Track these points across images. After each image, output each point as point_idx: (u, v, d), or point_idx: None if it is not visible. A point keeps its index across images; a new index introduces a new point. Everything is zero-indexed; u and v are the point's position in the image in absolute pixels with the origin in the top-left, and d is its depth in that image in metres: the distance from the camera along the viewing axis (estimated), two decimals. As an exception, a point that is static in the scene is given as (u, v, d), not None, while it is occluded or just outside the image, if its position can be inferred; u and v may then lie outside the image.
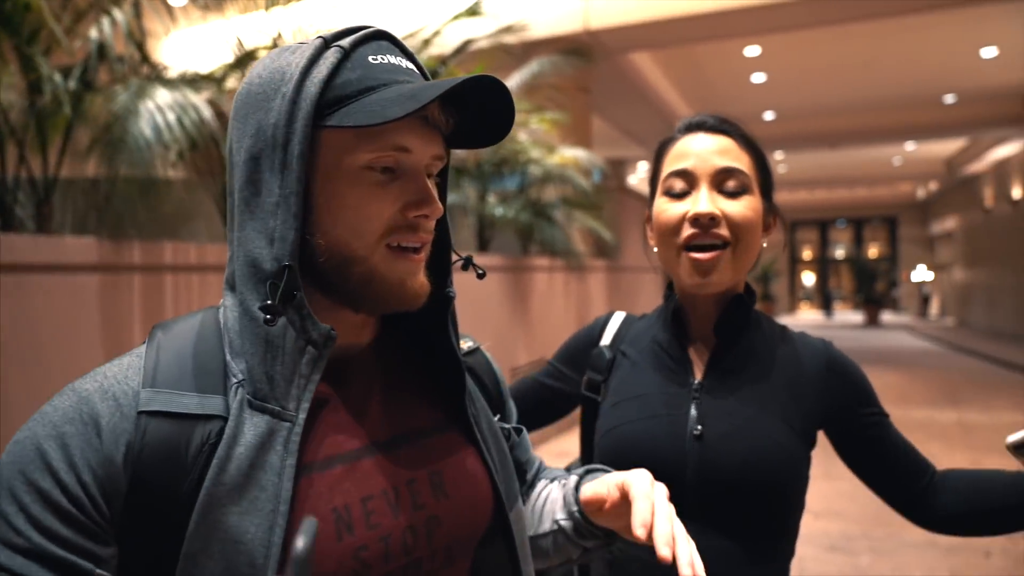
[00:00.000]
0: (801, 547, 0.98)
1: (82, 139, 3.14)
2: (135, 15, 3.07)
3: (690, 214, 1.03)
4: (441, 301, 0.76)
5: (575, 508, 0.83)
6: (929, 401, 8.63)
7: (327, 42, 0.67)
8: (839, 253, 30.92)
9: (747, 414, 1.02)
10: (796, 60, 10.67)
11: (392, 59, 0.69)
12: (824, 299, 28.13)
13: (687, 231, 1.03)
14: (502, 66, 6.87)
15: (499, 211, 6.99)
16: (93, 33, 2.98)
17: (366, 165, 0.66)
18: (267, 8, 3.96)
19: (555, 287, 7.65)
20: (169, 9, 3.23)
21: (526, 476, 0.90)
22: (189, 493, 0.60)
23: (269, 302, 0.62)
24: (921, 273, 25.96)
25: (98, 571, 0.58)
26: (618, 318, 1.23)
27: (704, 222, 1.02)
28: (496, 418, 0.86)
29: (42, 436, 0.59)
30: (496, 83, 0.68)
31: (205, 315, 0.71)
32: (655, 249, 1.11)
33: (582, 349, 1.22)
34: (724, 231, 1.03)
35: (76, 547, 0.57)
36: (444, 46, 5.75)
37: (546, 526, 0.87)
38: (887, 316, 24.18)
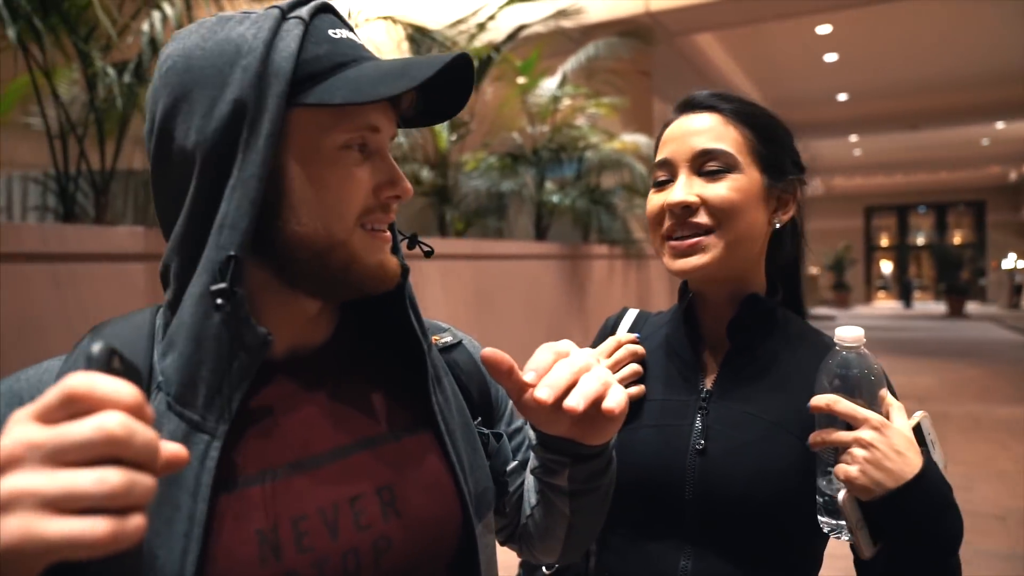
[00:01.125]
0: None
1: (138, 131, 3.22)
2: (185, 8, 3.12)
3: (665, 204, 0.95)
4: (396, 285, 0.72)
5: (532, 435, 0.74)
6: (1015, 398, 8.11)
7: (284, 13, 0.63)
8: (919, 240, 29.47)
9: (758, 429, 0.91)
10: (870, 37, 10.12)
11: (348, 34, 0.66)
12: (903, 289, 26.86)
13: (667, 222, 0.96)
14: (558, 51, 6.77)
15: (556, 198, 6.90)
16: (145, 27, 3.04)
17: (343, 145, 0.63)
18: None
19: (614, 276, 7.52)
20: (217, 1, 3.28)
21: (507, 487, 0.81)
22: None
23: (223, 285, 0.57)
24: (1011, 261, 24.48)
25: None
26: (631, 315, 1.14)
27: (678, 211, 0.93)
28: (477, 421, 0.79)
29: None
30: (468, 63, 0.66)
31: (143, 314, 0.67)
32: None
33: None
34: (703, 218, 0.93)
35: None
36: (499, 31, 5.69)
37: (534, 497, 0.81)
38: (973, 307, 22.92)
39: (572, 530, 0.78)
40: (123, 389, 0.39)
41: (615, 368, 1.00)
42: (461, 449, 0.72)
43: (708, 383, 0.98)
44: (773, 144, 0.98)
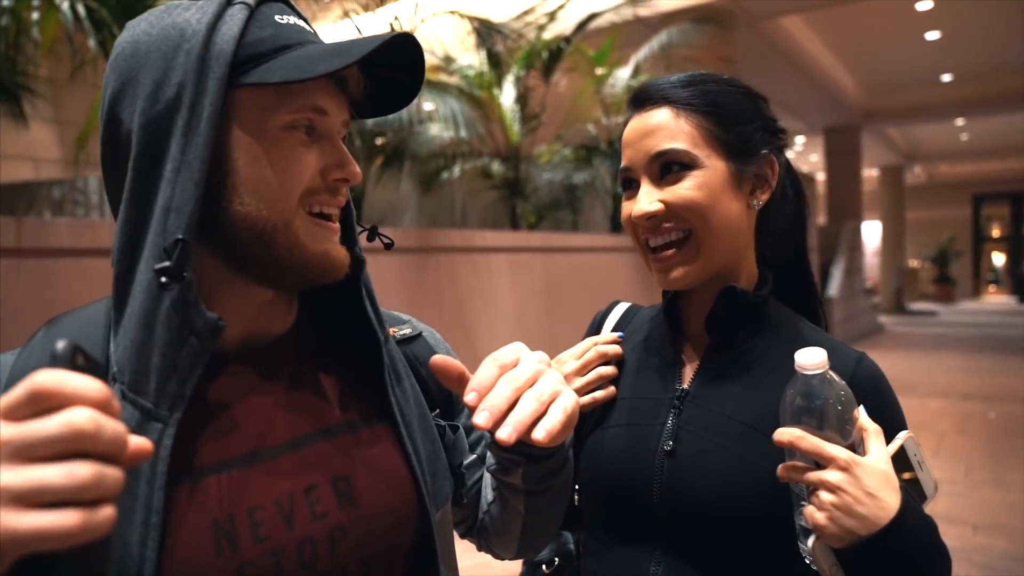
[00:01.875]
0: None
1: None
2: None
3: (631, 216, 0.89)
4: (354, 269, 0.70)
5: (488, 436, 0.76)
6: None
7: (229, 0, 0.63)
8: (1036, 230, 27.34)
9: (733, 432, 0.85)
10: (975, 12, 9.41)
11: (296, 20, 0.66)
12: (1016, 282, 24.98)
13: (642, 233, 0.90)
14: (633, 40, 6.64)
15: (630, 191, 6.77)
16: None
17: (288, 125, 0.62)
18: (376, 6, 4.07)
19: (691, 269, 7.34)
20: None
21: (464, 479, 0.80)
22: None
23: (167, 263, 0.57)
24: None
25: None
26: (620, 309, 1.08)
27: (646, 225, 0.88)
28: (435, 413, 0.79)
29: None
30: (415, 43, 0.65)
31: (97, 306, 0.68)
32: None
33: None
34: (671, 223, 0.87)
35: None
36: (569, 22, 5.63)
37: (491, 494, 0.81)
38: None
39: (527, 527, 0.78)
40: (90, 384, 0.40)
41: (583, 371, 0.96)
42: (418, 441, 0.72)
43: (685, 382, 0.92)
44: (735, 124, 0.90)
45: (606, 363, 0.98)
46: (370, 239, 0.76)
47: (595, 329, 1.08)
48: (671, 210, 0.86)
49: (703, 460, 0.85)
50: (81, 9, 2.76)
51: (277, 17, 0.64)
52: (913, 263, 24.42)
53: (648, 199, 0.87)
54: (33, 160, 7.71)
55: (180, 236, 0.58)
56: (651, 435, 0.89)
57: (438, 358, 0.62)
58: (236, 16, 0.61)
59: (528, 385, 0.60)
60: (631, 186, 0.91)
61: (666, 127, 0.87)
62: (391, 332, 0.79)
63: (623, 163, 0.92)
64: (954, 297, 22.40)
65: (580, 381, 0.95)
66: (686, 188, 0.86)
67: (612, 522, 0.91)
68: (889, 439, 0.81)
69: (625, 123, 0.94)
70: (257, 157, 0.62)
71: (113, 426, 0.40)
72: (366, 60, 0.63)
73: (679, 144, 0.87)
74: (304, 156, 0.63)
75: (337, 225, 0.68)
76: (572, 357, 0.97)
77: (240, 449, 0.62)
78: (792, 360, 0.78)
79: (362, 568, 0.65)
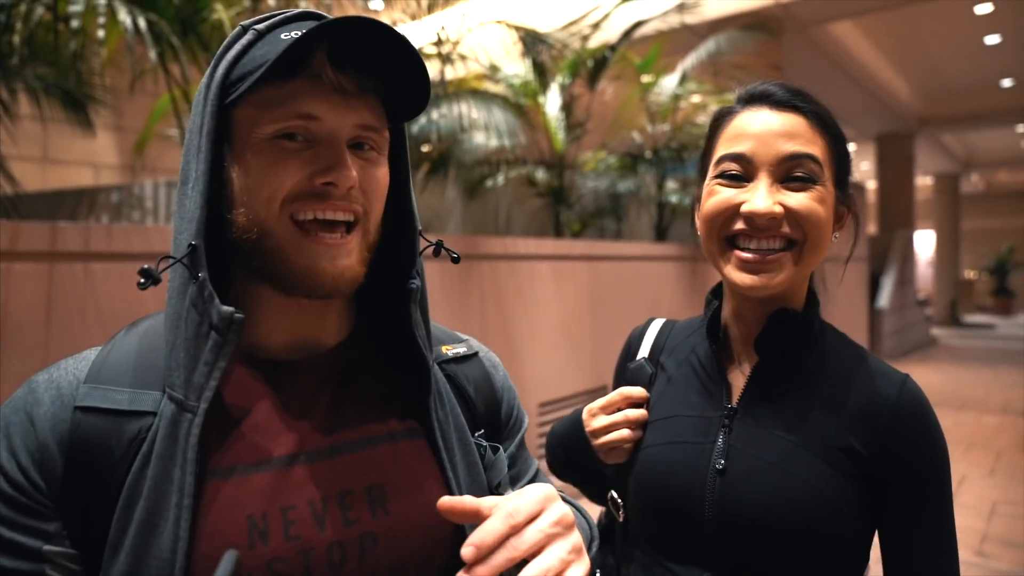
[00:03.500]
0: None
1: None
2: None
3: (744, 209, 0.86)
4: (404, 293, 0.72)
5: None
6: None
7: (245, 28, 0.68)
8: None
9: (781, 450, 0.85)
10: (1039, 16, 9.11)
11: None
12: (1080, 295, 23.95)
13: (738, 224, 0.88)
14: (680, 48, 6.58)
15: (675, 198, 6.72)
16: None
17: (271, 135, 0.64)
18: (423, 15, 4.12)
19: (736, 279, 7.21)
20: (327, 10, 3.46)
21: None
22: (119, 485, 0.61)
23: (145, 266, 0.61)
24: None
25: (46, 547, 0.60)
26: (656, 326, 1.09)
27: (761, 223, 0.85)
28: (479, 433, 0.80)
29: None
30: (381, 29, 0.63)
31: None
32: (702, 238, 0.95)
33: (620, 367, 1.09)
34: (786, 229, 0.86)
35: (22, 527, 0.60)
36: (614, 31, 5.62)
37: None
38: None
39: None
40: None
41: (609, 430, 0.97)
42: (456, 459, 0.74)
43: (734, 399, 0.92)
44: (843, 156, 0.91)
45: (636, 405, 0.98)
46: (436, 254, 0.77)
47: (633, 345, 1.09)
48: (792, 216, 0.85)
49: (754, 478, 0.85)
50: (142, 22, 2.86)
51: (283, 35, 0.65)
52: (969, 274, 23.61)
53: (771, 198, 0.85)
54: (93, 166, 8.00)
55: (192, 241, 0.63)
56: (702, 453, 0.89)
57: (443, 502, 0.59)
58: (241, 41, 0.67)
59: (533, 551, 0.57)
60: (736, 178, 0.88)
61: (804, 134, 0.87)
62: (444, 350, 0.81)
63: (738, 150, 0.88)
64: (1013, 310, 21.57)
65: (604, 439, 0.96)
66: (812, 200, 0.86)
67: (662, 538, 0.91)
68: (913, 482, 0.83)
69: (723, 113, 0.93)
70: (244, 168, 0.65)
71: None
72: (338, 59, 0.64)
73: (816, 153, 0.86)
74: (284, 163, 0.64)
75: (336, 240, 0.66)
76: (600, 410, 0.98)
77: (282, 451, 0.66)
78: (838, 379, 0.79)
79: (392, 575, 0.66)
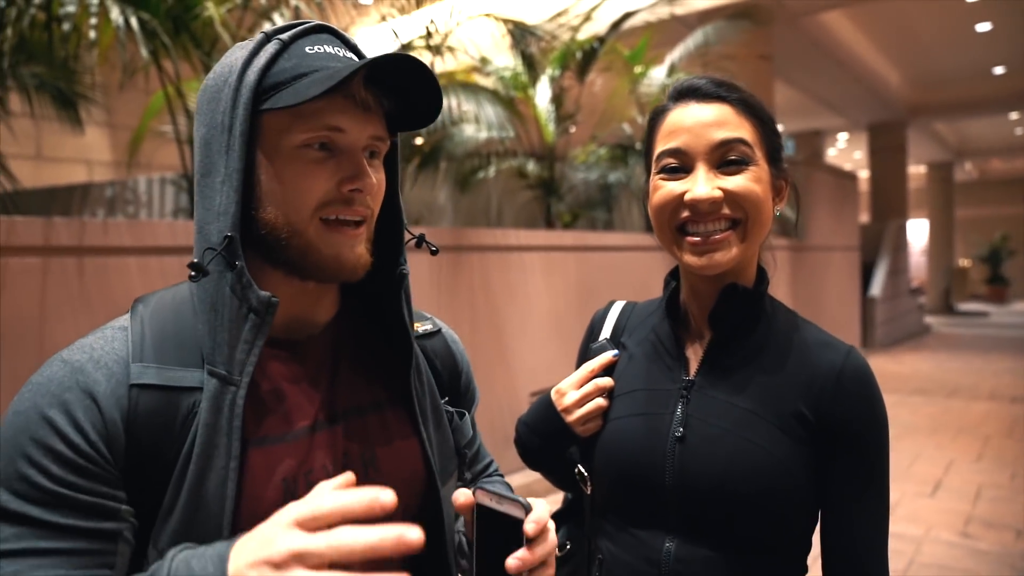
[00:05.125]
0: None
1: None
2: (295, 19, 3.35)
3: (687, 198, 0.93)
4: (396, 279, 0.81)
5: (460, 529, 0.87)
6: None
7: (268, 36, 0.74)
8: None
9: (736, 416, 0.92)
10: (1027, 4, 9.14)
11: (329, 49, 0.75)
12: (1074, 282, 24.06)
13: (684, 213, 0.94)
14: (669, 39, 6.62)
15: (666, 190, 6.74)
16: (259, 39, 3.29)
17: (302, 144, 0.72)
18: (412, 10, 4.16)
19: (728, 268, 7.26)
20: (323, 13, 3.49)
21: (466, 458, 0.94)
22: (176, 456, 0.68)
23: (196, 260, 0.69)
24: None
25: (124, 507, 0.66)
26: (617, 308, 1.15)
27: (704, 208, 0.92)
28: (444, 400, 0.90)
29: (44, 405, 0.65)
30: (415, 63, 0.72)
31: (179, 290, 0.78)
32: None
33: (584, 348, 1.15)
34: (727, 211, 0.92)
35: (99, 492, 0.65)
36: (603, 23, 5.65)
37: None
38: None
39: None
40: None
41: (582, 402, 1.03)
42: (430, 425, 0.84)
43: (691, 372, 0.98)
44: (774, 134, 0.98)
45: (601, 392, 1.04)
46: (418, 246, 0.85)
47: (595, 327, 1.15)
48: (731, 198, 0.92)
49: (711, 444, 0.92)
50: (134, 20, 2.90)
51: (308, 48, 0.74)
52: (963, 262, 23.70)
53: (709, 184, 0.92)
54: (87, 163, 8.03)
55: (228, 233, 0.70)
56: (663, 423, 0.96)
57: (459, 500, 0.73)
58: (268, 51, 0.72)
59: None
60: (676, 170, 0.94)
61: (731, 120, 0.93)
62: (416, 327, 0.89)
63: (673, 145, 0.94)
64: (1007, 298, 21.69)
65: (580, 412, 1.02)
66: (748, 180, 0.92)
67: (627, 505, 0.98)
68: (852, 451, 0.90)
69: (657, 112, 1.00)
70: (276, 172, 0.72)
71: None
72: (372, 80, 0.73)
73: (745, 136, 0.93)
74: (316, 171, 0.72)
75: (359, 231, 0.76)
76: (572, 387, 1.04)
77: (301, 422, 0.75)
78: (787, 352, 0.85)
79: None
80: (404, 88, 0.76)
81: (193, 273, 0.69)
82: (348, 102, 0.73)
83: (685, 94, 0.97)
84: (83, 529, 0.64)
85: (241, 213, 0.71)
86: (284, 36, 0.74)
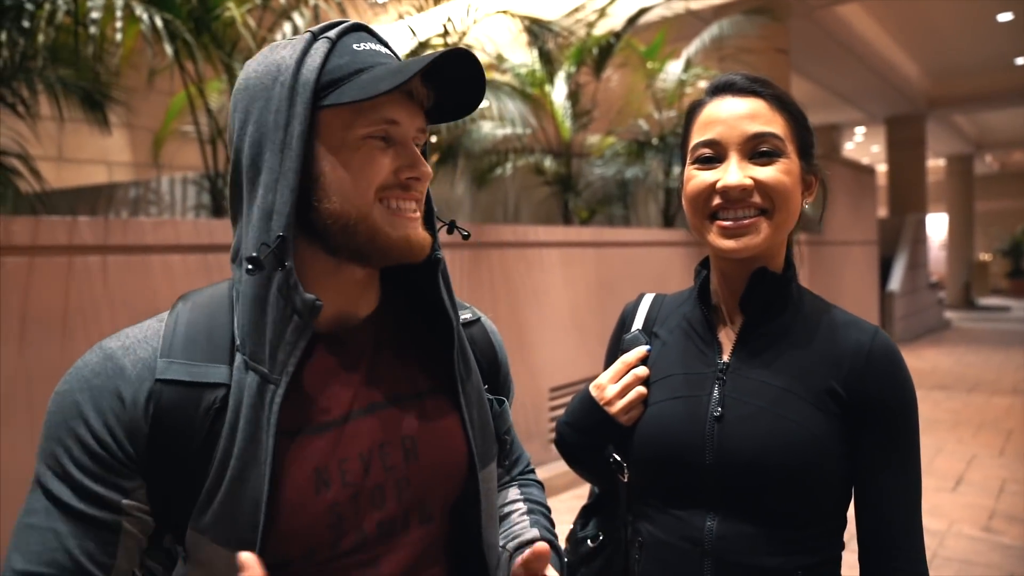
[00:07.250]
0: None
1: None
2: (314, 18, 3.38)
3: (719, 185, 0.97)
4: (432, 263, 0.83)
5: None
6: None
7: (315, 35, 0.76)
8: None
9: (771, 395, 0.96)
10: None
11: (372, 46, 0.78)
12: (1097, 276, 23.68)
13: (716, 200, 0.98)
14: (685, 34, 6.60)
15: (682, 185, 6.72)
16: (279, 39, 3.32)
17: (365, 136, 0.75)
18: (430, 7, 4.18)
19: (745, 263, 7.23)
20: (343, 11, 3.52)
21: (505, 446, 0.97)
22: (200, 447, 0.70)
23: (255, 254, 0.70)
24: None
25: (125, 501, 0.69)
26: (648, 300, 1.19)
27: (735, 195, 0.96)
28: (484, 388, 0.91)
29: (76, 389, 0.70)
30: (469, 56, 0.75)
31: (219, 288, 0.80)
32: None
33: (615, 340, 1.18)
34: (757, 199, 0.97)
35: (106, 482, 0.68)
36: (619, 18, 5.64)
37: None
38: None
39: None
40: None
41: (623, 393, 1.06)
42: (473, 410, 0.86)
43: (725, 356, 1.02)
44: (804, 130, 1.02)
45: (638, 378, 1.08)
46: (449, 232, 0.88)
47: (627, 319, 1.18)
48: (760, 187, 0.96)
49: (748, 421, 0.96)
50: (158, 21, 2.94)
51: (355, 46, 0.76)
52: (984, 256, 23.43)
53: (741, 173, 0.96)
54: (107, 164, 8.13)
55: (281, 233, 0.71)
56: (700, 404, 1.00)
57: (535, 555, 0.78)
58: (320, 49, 0.74)
59: None
60: (710, 160, 0.99)
61: (764, 114, 0.98)
62: None
63: (708, 136, 0.99)
64: (1028, 291, 21.41)
65: (621, 402, 1.05)
66: (778, 171, 0.97)
67: (668, 486, 1.01)
68: (881, 426, 0.94)
69: (695, 106, 1.05)
70: (340, 163, 0.74)
71: None
72: (425, 75, 0.76)
73: (777, 130, 0.97)
74: (379, 159, 0.75)
75: (416, 215, 0.79)
76: (610, 380, 1.07)
77: (337, 413, 0.77)
78: (816, 334, 0.95)
79: (420, 510, 0.80)
80: (450, 82, 0.78)
81: (250, 267, 0.70)
82: (404, 96, 0.76)
83: (721, 89, 1.02)
84: (87, 516, 0.67)
85: (296, 210, 0.73)
86: (331, 34, 0.76)
